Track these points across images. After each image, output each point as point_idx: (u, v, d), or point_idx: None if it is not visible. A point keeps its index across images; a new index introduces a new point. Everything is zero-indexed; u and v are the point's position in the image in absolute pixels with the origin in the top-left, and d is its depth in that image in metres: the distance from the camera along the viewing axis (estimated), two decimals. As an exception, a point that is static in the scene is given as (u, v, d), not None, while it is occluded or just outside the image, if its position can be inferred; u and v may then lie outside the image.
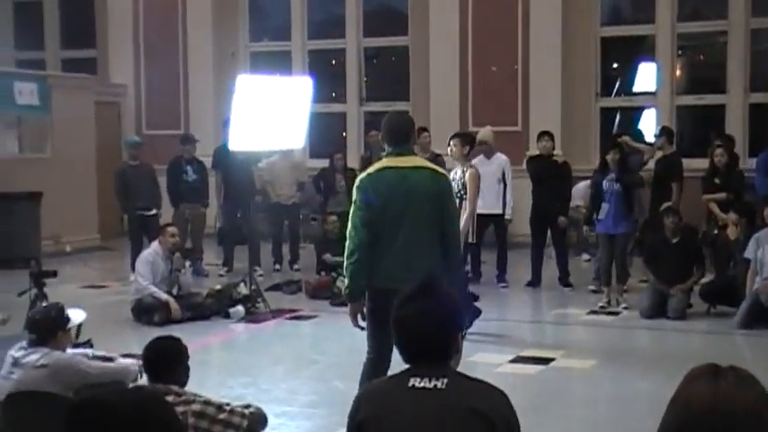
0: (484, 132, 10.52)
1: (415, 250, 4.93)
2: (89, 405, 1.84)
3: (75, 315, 5.10)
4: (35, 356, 4.50)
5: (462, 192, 7.88)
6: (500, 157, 10.43)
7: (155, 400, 1.86)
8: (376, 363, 5.05)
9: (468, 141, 8.26)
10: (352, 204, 5.06)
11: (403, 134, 5.13)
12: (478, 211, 8.30)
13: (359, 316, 5.11)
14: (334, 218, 10.81)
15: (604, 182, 9.25)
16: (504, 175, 10.31)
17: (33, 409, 4.36)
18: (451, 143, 8.18)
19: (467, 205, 7.87)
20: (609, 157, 9.32)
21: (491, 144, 10.41)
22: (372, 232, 4.93)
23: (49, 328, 4.62)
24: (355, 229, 4.97)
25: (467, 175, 7.96)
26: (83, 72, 14.87)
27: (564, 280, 10.24)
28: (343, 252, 5.10)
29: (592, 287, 9.94)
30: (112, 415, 1.78)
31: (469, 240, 8.05)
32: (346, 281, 5.17)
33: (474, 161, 9.10)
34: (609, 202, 9.17)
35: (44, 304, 7.60)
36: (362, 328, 5.12)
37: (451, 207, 5.01)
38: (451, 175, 8.03)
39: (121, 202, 11.37)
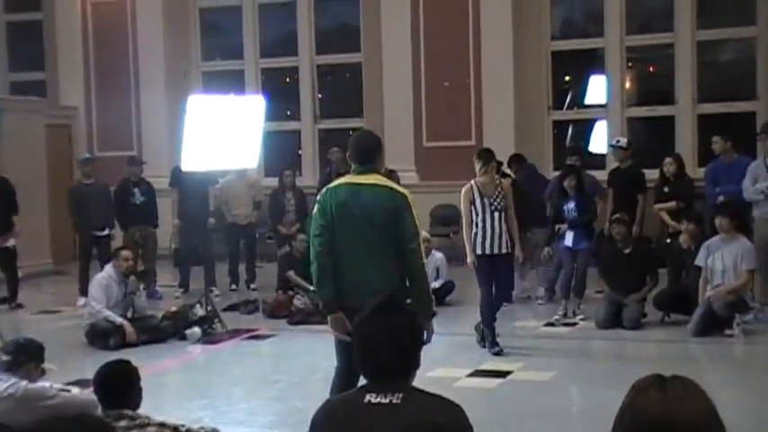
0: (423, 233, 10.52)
1: (370, 266, 4.94)
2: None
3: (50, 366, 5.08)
4: (1, 386, 4.40)
5: None
6: (435, 255, 10.31)
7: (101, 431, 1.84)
8: (344, 372, 5.04)
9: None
10: (312, 219, 5.16)
11: (369, 154, 5.15)
12: None
13: (346, 325, 4.83)
14: (303, 236, 10.66)
15: (564, 207, 9.45)
16: (438, 272, 10.25)
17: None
18: None
19: None
20: (566, 184, 9.45)
21: (430, 243, 10.34)
22: (329, 241, 4.98)
23: (27, 354, 4.57)
24: (313, 238, 5.08)
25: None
26: (32, 95, 14.69)
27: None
28: (307, 273, 5.11)
29: (539, 301, 10.12)
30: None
31: None
32: (318, 293, 5.23)
33: None
34: (570, 228, 9.38)
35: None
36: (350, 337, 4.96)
37: (408, 223, 4.98)
38: None
39: (75, 219, 11.28)
